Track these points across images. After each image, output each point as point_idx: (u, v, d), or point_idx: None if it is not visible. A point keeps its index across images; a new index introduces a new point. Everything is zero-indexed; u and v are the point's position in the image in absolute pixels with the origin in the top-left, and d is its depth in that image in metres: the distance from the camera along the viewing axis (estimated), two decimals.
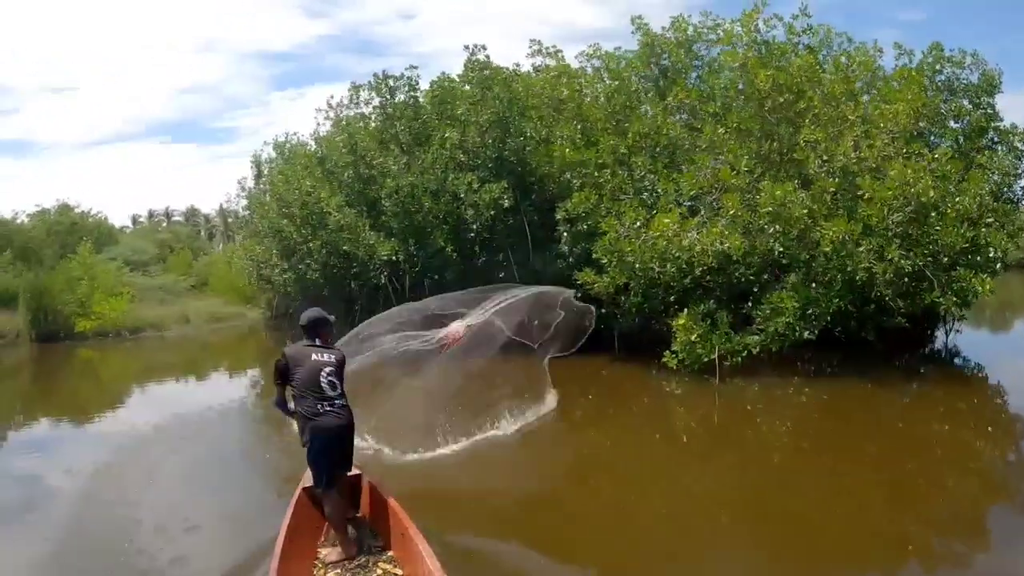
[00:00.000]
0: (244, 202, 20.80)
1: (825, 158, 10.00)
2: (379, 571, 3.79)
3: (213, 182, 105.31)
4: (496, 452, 6.71)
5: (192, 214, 47.66)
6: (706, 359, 9.48)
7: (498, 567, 4.21)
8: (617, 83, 12.98)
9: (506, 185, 11.98)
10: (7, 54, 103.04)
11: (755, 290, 10.23)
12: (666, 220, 9.86)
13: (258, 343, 18.66)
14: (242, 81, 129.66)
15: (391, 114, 13.67)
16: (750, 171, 10.36)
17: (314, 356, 4.00)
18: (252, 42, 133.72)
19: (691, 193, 10.78)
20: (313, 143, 16.96)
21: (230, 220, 35.14)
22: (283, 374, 4.02)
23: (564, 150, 11.84)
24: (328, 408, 3.94)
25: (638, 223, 10.28)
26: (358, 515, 4.41)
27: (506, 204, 11.98)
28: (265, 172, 20.30)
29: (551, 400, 8.07)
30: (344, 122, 14.32)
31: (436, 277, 12.92)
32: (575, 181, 11.87)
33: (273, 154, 20.58)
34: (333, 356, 4.08)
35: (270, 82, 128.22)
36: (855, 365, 9.76)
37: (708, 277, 10.25)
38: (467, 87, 13.36)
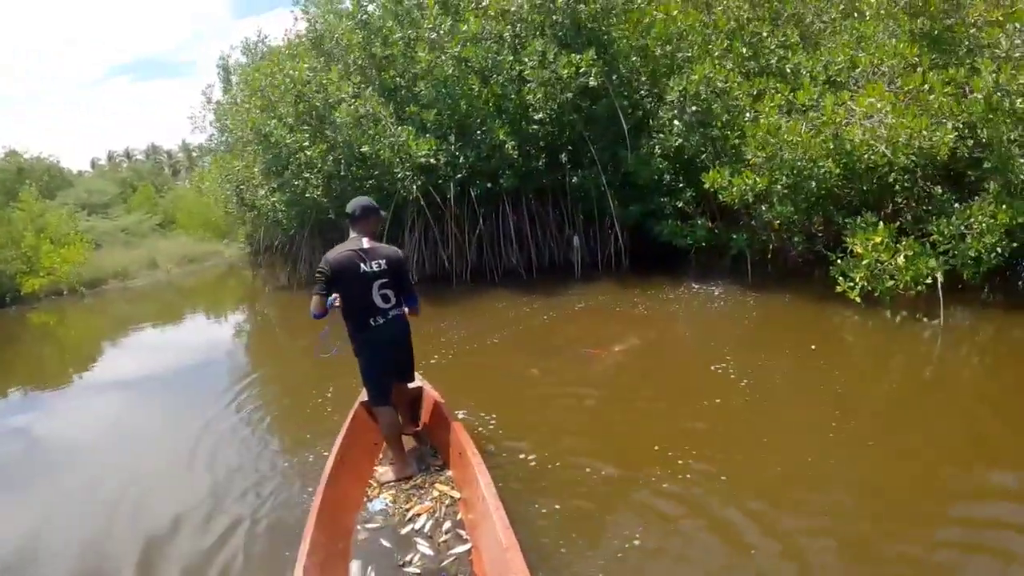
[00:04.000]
0: (211, 116, 16.76)
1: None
2: (436, 492, 3.48)
3: (175, 119, 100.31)
4: None
5: (154, 151, 43.04)
6: (903, 288, 6.64)
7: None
8: None
9: (594, 56, 8.65)
10: None
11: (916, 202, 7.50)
12: (868, 99, 6.77)
13: (243, 284, 15.32)
14: (200, 15, 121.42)
15: None
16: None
17: (363, 267, 3.44)
18: None
19: (846, 74, 7.74)
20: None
21: (194, 152, 30.91)
22: (325, 286, 3.42)
23: (672, 9, 8.55)
24: (381, 321, 3.53)
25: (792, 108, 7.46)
26: (419, 430, 4.10)
27: (592, 82, 8.68)
28: (235, 79, 16.43)
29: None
30: None
31: (490, 185, 9.70)
32: (685, 54, 8.67)
33: (243, 59, 16.77)
34: (385, 263, 3.49)
35: (229, 11, 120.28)
36: None
37: (895, 181, 7.39)
38: None
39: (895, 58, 7.35)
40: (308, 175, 10.43)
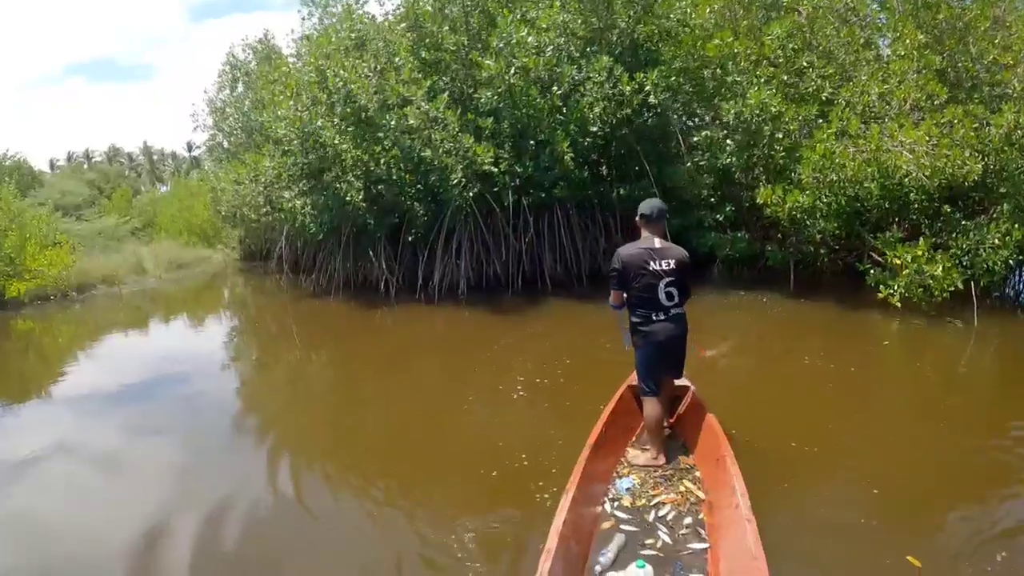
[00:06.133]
0: (221, 113, 16.22)
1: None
2: (682, 487, 3.56)
3: (133, 122, 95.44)
4: None
5: (115, 153, 40.73)
6: (939, 295, 7.57)
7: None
8: None
9: (663, 73, 9.14)
10: None
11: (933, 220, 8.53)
12: (916, 132, 7.60)
13: (256, 290, 14.79)
14: (157, 17, 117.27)
15: None
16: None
17: (653, 265, 3.65)
18: None
19: (881, 105, 8.59)
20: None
21: (198, 149, 29.44)
22: (619, 282, 3.75)
23: (726, 36, 9.17)
24: (662, 317, 3.72)
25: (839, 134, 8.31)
26: (672, 424, 4.24)
27: (652, 100, 9.16)
28: (242, 76, 16.08)
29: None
30: None
31: (543, 195, 9.97)
32: (733, 77, 9.29)
33: (245, 56, 16.45)
34: (673, 263, 3.67)
35: (187, 14, 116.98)
36: None
37: (914, 200, 8.36)
38: None
39: (920, 92, 8.24)
40: (351, 178, 10.38)
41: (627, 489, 3.57)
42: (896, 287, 7.83)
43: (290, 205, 11.67)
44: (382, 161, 10.02)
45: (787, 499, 3.74)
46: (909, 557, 3.14)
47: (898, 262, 7.92)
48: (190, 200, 19.86)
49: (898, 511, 3.66)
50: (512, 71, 9.19)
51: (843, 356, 6.48)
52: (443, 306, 10.15)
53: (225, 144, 16.53)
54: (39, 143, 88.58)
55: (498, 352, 7.52)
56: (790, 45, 9.23)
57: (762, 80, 9.23)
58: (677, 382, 4.10)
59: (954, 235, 8.09)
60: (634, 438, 4.17)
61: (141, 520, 3.93)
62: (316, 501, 4.12)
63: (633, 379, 4.23)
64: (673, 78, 9.75)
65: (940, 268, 7.60)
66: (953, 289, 7.55)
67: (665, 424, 4.18)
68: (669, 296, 3.69)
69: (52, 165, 40.18)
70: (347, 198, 10.38)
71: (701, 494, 3.52)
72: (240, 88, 16.09)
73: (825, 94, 9.32)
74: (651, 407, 3.81)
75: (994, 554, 3.18)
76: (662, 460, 3.80)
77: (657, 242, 3.72)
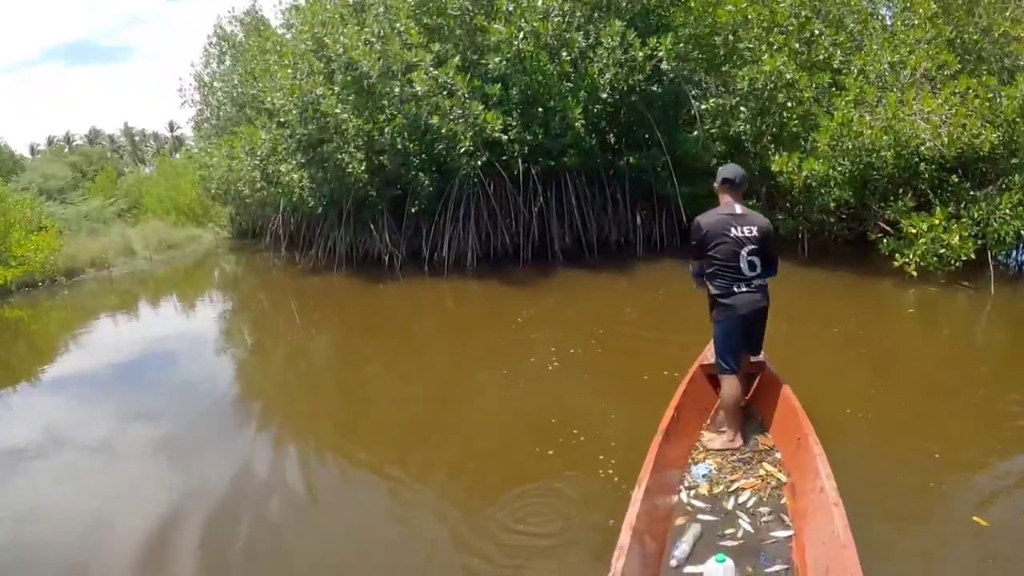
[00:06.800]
0: (210, 87, 15.71)
1: None
2: (762, 471, 3.33)
3: (113, 104, 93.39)
4: None
5: (96, 136, 39.63)
6: (954, 263, 7.57)
7: None
8: None
9: (675, 40, 8.95)
10: None
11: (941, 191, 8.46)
12: (935, 102, 7.54)
13: (250, 269, 14.41)
14: None
15: None
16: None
17: (734, 232, 3.43)
18: None
19: (893, 75, 8.49)
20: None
21: (180, 128, 28.63)
22: (699, 249, 3.52)
23: (739, 2, 8.99)
24: (744, 289, 3.47)
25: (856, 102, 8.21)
26: (748, 403, 3.96)
27: (664, 66, 8.97)
28: (230, 49, 15.57)
29: None
30: None
31: (552, 163, 9.77)
32: (745, 44, 9.14)
33: (232, 28, 15.94)
34: (755, 230, 3.46)
35: None
36: None
37: (924, 171, 8.31)
38: None
39: (934, 62, 8.18)
40: (353, 149, 10.09)
41: (703, 476, 3.35)
42: (912, 256, 7.81)
43: (287, 179, 11.35)
44: (386, 130, 9.74)
45: (855, 466, 3.59)
46: (975, 517, 3.15)
47: (913, 231, 7.91)
48: (177, 179, 19.35)
49: (961, 473, 3.63)
50: (521, 36, 8.94)
51: (871, 323, 6.51)
52: (451, 279, 9.96)
53: (214, 120, 16.02)
54: (18, 129, 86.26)
55: (523, 326, 7.34)
56: (802, 12, 9.08)
57: (774, 48, 9.09)
58: (753, 358, 3.85)
59: (964, 205, 8.10)
60: (708, 420, 3.92)
61: (141, 512, 3.75)
62: (325, 485, 4.02)
63: (704, 358, 4.02)
64: (681, 45, 9.57)
65: (956, 237, 7.61)
66: (966, 258, 7.57)
67: (743, 404, 3.95)
68: (751, 265, 3.46)
69: (33, 150, 39.05)
70: (348, 169, 10.12)
71: (783, 477, 3.31)
72: (229, 61, 15.58)
73: (836, 62, 9.23)
74: (729, 386, 3.58)
75: None
76: (739, 442, 3.59)
77: (739, 208, 3.52)
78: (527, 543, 3.20)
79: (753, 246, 3.44)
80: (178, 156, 24.71)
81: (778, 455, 3.51)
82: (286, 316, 9.86)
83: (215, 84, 15.65)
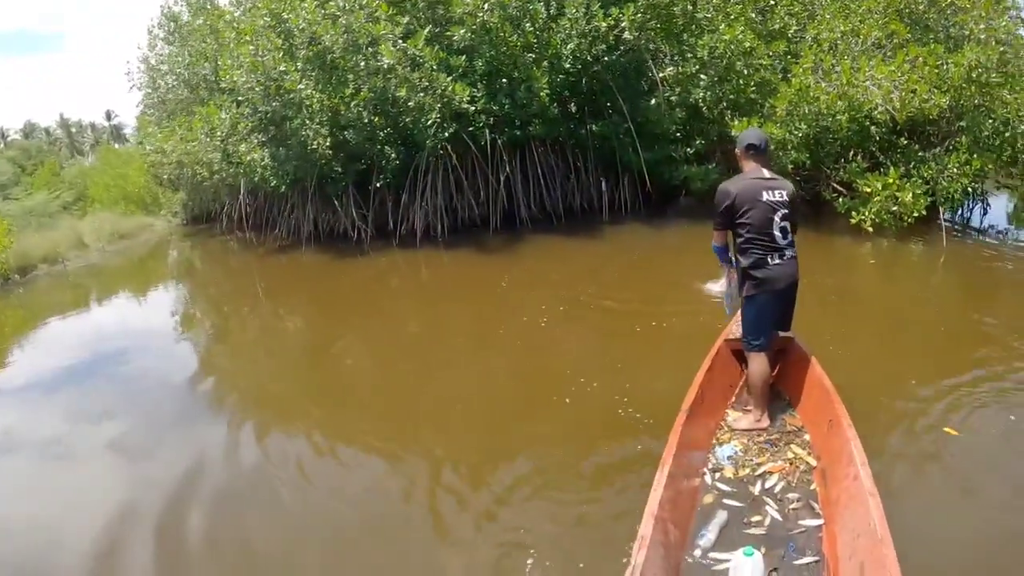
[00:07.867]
0: (159, 69, 15.12)
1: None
2: (791, 454, 3.22)
3: (47, 96, 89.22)
4: None
5: (31, 129, 37.55)
6: (907, 219, 8.20)
7: None
8: None
9: (636, 9, 9.20)
10: None
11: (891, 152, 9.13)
12: (888, 68, 8.02)
13: (209, 253, 14.05)
14: None
15: None
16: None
17: (766, 195, 3.25)
18: None
19: (846, 43, 8.98)
20: None
21: (117, 117, 27.36)
22: (727, 216, 3.30)
23: None
24: (778, 260, 3.29)
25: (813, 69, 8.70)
26: (775, 380, 3.71)
27: (627, 36, 9.22)
28: (178, 30, 15.06)
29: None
30: None
31: (518, 133, 9.92)
32: (704, 14, 9.49)
33: (179, 8, 15.42)
34: (786, 194, 3.30)
35: None
36: None
37: (876, 134, 8.96)
38: None
39: (884, 31, 8.69)
40: (317, 125, 9.99)
41: (729, 458, 3.21)
42: (868, 213, 8.35)
43: (248, 158, 11.15)
44: (352, 105, 9.68)
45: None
46: (946, 428, 3.61)
47: (868, 190, 8.47)
48: (124, 167, 18.61)
49: (936, 394, 4.06)
50: (486, 7, 9.02)
51: (836, 273, 7.11)
52: (424, 250, 10.03)
53: (163, 103, 15.50)
54: None
55: (508, 290, 7.51)
56: None
57: (731, 17, 9.45)
58: (782, 333, 3.65)
59: (913, 165, 8.67)
60: (733, 399, 3.74)
61: (96, 512, 3.58)
62: (316, 469, 3.87)
63: (729, 333, 3.88)
64: (640, 15, 9.83)
65: (909, 195, 8.18)
66: (919, 215, 8.15)
67: (770, 382, 3.76)
68: (784, 232, 3.28)
69: None
70: (313, 146, 10.03)
71: (812, 461, 3.14)
72: (177, 42, 15.06)
73: (791, 31, 9.66)
74: (758, 363, 3.41)
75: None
76: (766, 422, 3.43)
77: (766, 172, 3.35)
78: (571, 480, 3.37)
79: (785, 211, 3.28)
80: (124, 145, 23.67)
81: (807, 436, 3.36)
82: (251, 298, 9.64)
83: (162, 67, 15.11)
